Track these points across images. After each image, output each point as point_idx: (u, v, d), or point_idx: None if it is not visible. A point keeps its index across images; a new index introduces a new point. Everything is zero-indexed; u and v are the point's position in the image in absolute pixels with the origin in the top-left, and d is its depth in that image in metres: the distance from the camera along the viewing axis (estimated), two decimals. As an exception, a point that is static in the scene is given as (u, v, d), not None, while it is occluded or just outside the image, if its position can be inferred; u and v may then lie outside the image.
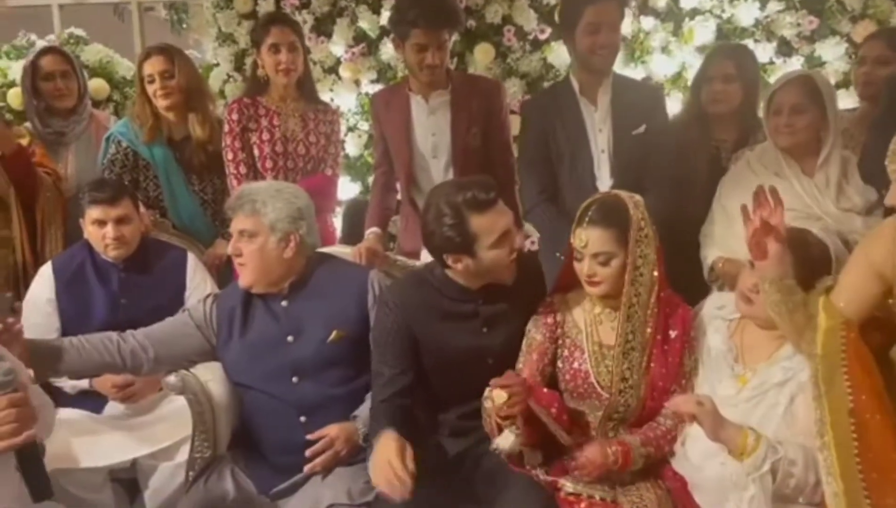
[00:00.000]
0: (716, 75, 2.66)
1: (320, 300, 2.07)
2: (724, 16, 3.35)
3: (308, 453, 1.97)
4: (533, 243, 3.31)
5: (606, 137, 2.57)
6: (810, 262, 1.74)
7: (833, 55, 3.30)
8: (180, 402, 2.10)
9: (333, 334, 2.04)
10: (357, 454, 1.99)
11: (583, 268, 1.88)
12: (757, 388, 1.77)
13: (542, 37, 3.44)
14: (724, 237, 2.38)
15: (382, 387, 1.95)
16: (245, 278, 2.07)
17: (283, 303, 2.09)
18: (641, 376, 1.86)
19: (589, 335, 1.93)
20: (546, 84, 3.42)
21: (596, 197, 1.92)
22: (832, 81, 3.19)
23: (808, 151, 2.31)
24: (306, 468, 1.96)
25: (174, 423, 2.26)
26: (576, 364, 1.92)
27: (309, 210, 2.11)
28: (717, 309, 1.95)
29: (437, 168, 2.71)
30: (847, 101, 3.09)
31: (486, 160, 2.65)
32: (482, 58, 3.45)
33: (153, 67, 2.81)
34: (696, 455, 1.82)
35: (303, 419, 2.02)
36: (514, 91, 3.37)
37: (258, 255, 2.03)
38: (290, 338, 2.05)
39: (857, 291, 1.61)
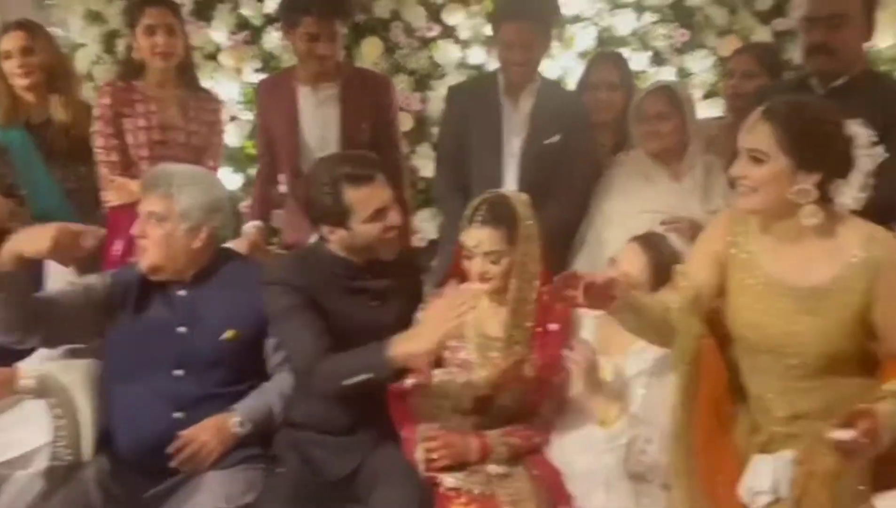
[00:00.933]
0: (600, 84, 2.76)
1: (221, 296, 2.01)
2: (604, 24, 3.47)
3: (170, 449, 1.88)
4: (421, 239, 3.33)
5: (520, 141, 2.56)
6: (663, 266, 1.87)
7: (701, 67, 3.48)
8: (38, 406, 1.96)
9: (229, 332, 1.98)
10: (233, 452, 1.92)
11: (474, 266, 1.94)
12: (615, 379, 1.86)
13: (431, 35, 3.44)
14: (601, 240, 2.48)
15: (303, 339, 1.87)
16: (145, 262, 1.98)
17: (182, 292, 2.01)
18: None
19: (474, 326, 1.98)
20: (433, 82, 3.43)
21: (485, 197, 1.99)
22: (700, 92, 3.40)
23: (675, 157, 2.46)
24: (172, 462, 1.88)
25: (31, 428, 2.06)
26: (461, 354, 1.98)
27: (226, 204, 2.06)
28: (587, 307, 2.05)
29: (324, 162, 2.66)
30: (714, 110, 3.28)
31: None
32: (370, 52, 3.41)
33: (11, 42, 2.62)
34: (569, 447, 1.89)
35: (178, 415, 1.93)
36: (401, 87, 3.35)
37: (163, 241, 1.96)
38: (181, 329, 1.98)
39: (699, 276, 1.72)
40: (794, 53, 3.26)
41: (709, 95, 3.45)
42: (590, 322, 2.00)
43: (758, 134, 1.57)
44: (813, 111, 1.59)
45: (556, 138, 2.53)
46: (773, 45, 3.31)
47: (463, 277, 2.01)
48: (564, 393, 1.94)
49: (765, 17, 3.46)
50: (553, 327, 1.97)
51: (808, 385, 1.63)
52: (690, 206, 2.41)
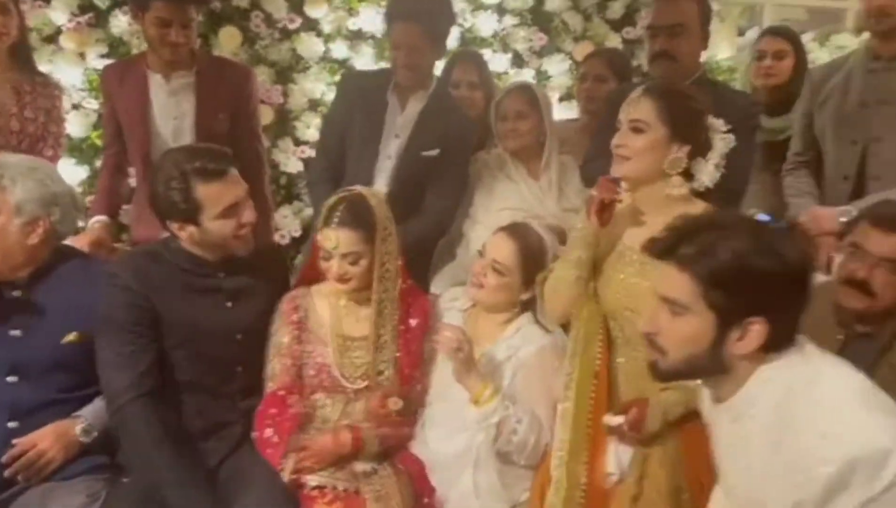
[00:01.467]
0: (461, 82, 2.81)
1: (62, 297, 1.89)
2: (467, 24, 3.54)
3: (4, 458, 1.76)
4: (283, 236, 3.25)
5: (399, 144, 2.48)
6: (530, 251, 1.96)
7: (558, 71, 3.62)
8: None
9: (72, 335, 1.86)
10: (76, 461, 1.82)
11: (332, 267, 1.91)
12: (485, 367, 1.90)
13: (292, 26, 3.37)
14: (467, 239, 2.53)
15: (124, 372, 1.80)
16: None
17: (16, 293, 1.87)
18: (394, 366, 1.93)
19: (333, 327, 1.96)
20: (296, 74, 3.36)
21: (342, 196, 1.95)
22: (557, 95, 3.53)
23: (533, 156, 2.54)
24: (6, 472, 1.75)
25: None
26: (319, 359, 1.95)
27: (65, 197, 1.92)
28: (452, 301, 2.10)
29: (178, 154, 2.54)
30: (569, 112, 3.42)
31: (233, 147, 2.50)
32: (228, 42, 3.28)
33: None
34: (434, 438, 1.92)
35: (12, 424, 1.81)
36: (262, 80, 3.25)
37: None
38: (15, 332, 1.85)
39: None
40: (643, 60, 3.48)
41: (564, 97, 3.59)
42: (456, 316, 2.04)
43: (640, 107, 1.74)
44: (686, 91, 1.85)
45: (434, 152, 2.46)
46: (623, 51, 3.50)
47: (320, 276, 1.98)
48: (427, 385, 1.97)
49: (616, 26, 3.65)
50: (413, 321, 1.99)
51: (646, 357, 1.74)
52: (547, 204, 2.50)
